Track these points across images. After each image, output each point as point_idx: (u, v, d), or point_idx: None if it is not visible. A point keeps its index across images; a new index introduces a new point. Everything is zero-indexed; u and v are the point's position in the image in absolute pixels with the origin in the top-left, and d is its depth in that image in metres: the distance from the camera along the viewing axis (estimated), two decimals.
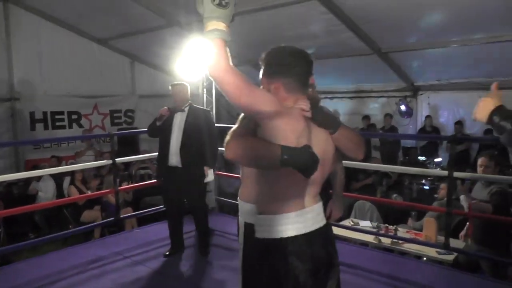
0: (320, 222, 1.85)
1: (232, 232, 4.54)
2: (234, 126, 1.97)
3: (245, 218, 2.19)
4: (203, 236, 4.64)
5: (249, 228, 1.92)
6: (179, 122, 4.47)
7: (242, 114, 1.93)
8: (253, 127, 1.87)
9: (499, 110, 1.64)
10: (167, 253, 4.50)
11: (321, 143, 1.80)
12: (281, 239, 1.75)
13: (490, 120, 1.66)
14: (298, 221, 1.77)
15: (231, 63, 1.59)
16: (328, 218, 2.35)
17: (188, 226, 4.81)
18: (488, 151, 4.75)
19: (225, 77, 1.59)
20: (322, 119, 1.83)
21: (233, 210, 5.24)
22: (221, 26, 1.60)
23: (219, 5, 1.60)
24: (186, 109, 4.51)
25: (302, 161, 1.65)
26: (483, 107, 1.69)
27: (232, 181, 6.74)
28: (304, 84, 1.84)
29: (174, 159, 4.41)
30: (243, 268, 1.93)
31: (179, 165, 4.39)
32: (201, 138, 4.42)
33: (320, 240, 1.80)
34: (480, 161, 4.24)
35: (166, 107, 4.61)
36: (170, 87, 4.65)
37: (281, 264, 1.73)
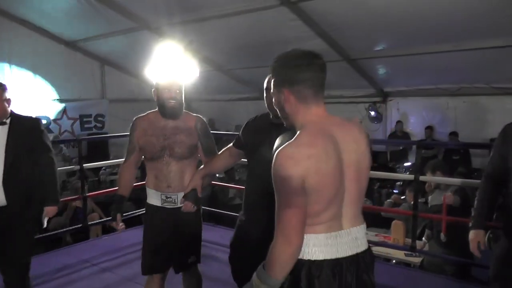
0: (358, 247, 1.67)
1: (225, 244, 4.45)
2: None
3: None
4: None
5: None
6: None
7: None
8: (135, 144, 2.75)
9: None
10: None
11: (353, 155, 1.63)
12: (309, 261, 1.61)
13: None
14: (328, 244, 1.61)
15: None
16: None
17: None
18: (429, 164, 4.70)
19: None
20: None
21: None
22: None
23: None
24: (8, 120, 3.07)
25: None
26: None
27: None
28: (318, 91, 1.64)
29: None
30: None
31: (4, 203, 2.95)
32: (34, 162, 3.08)
33: (353, 269, 1.64)
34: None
35: None
36: None
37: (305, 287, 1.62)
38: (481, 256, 2.48)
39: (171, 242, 2.78)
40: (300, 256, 1.60)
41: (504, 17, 5.36)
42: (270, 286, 1.57)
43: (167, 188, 2.72)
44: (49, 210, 3.16)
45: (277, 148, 1.62)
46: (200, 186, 2.71)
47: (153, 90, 2.73)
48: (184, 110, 2.78)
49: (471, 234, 2.41)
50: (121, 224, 2.83)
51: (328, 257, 1.60)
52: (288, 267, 1.57)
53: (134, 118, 2.84)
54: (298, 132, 1.62)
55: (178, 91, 2.69)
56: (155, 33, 7.56)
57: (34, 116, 3.33)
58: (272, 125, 2.33)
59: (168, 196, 2.73)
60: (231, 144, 2.63)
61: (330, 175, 1.55)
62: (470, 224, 2.46)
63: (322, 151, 1.55)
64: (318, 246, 1.60)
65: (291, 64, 1.65)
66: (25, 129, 3.10)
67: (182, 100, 2.73)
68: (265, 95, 2.40)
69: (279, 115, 1.75)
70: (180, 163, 2.72)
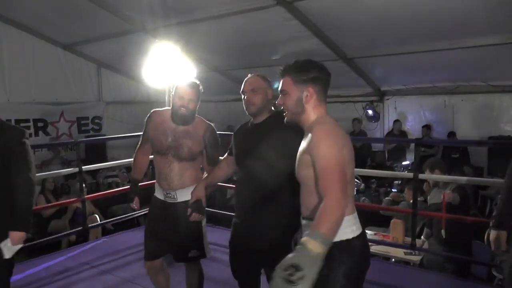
0: None
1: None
2: None
3: None
4: None
5: None
6: None
7: None
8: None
9: None
10: None
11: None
12: (358, 236, 1.89)
13: None
14: (356, 222, 1.92)
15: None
16: None
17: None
18: (428, 162, 4.81)
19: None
20: None
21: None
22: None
23: (290, 282, 1.59)
24: None
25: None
26: None
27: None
28: (326, 93, 2.00)
29: None
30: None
31: None
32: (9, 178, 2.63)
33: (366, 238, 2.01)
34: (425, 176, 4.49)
35: None
36: None
37: (349, 264, 1.83)
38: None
39: (170, 233, 2.96)
40: (345, 237, 1.84)
41: (500, 14, 5.37)
42: (321, 242, 1.62)
43: (167, 186, 2.92)
44: (15, 237, 2.57)
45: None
46: (204, 197, 2.81)
47: (171, 94, 2.90)
48: (198, 116, 2.95)
49: (492, 234, 2.37)
50: (137, 204, 3.15)
51: (359, 232, 1.91)
52: (338, 228, 1.69)
53: (152, 110, 3.04)
54: (318, 121, 1.93)
55: (191, 100, 2.81)
56: (151, 35, 7.54)
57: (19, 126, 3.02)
58: (252, 128, 2.59)
59: (168, 192, 2.93)
60: (226, 154, 2.81)
61: (351, 152, 1.90)
62: (491, 224, 2.41)
63: (343, 131, 1.94)
64: (355, 224, 1.90)
65: (316, 66, 1.95)
66: (6, 138, 2.66)
67: (194, 109, 2.86)
68: (243, 97, 2.57)
69: (292, 111, 1.98)
70: (181, 164, 2.88)
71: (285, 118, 2.02)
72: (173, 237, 2.95)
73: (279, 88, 2.00)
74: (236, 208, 2.68)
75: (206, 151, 2.94)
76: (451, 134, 8.35)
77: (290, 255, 1.63)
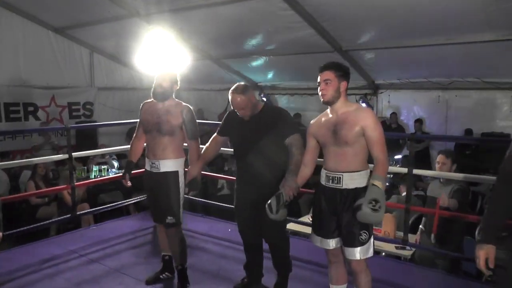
0: None
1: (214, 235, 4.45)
2: None
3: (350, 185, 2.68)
4: None
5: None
6: None
7: None
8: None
9: None
10: None
11: None
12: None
13: None
14: None
15: None
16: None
17: (147, 223, 4.76)
18: (446, 149, 4.86)
19: None
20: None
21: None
22: None
23: (374, 210, 2.42)
24: None
25: None
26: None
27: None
28: None
29: None
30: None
31: None
32: None
33: None
34: (438, 158, 4.41)
35: None
36: None
37: None
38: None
39: (155, 199, 3.50)
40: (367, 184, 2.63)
41: (497, 11, 5.34)
42: (384, 182, 2.55)
43: (152, 156, 3.44)
44: None
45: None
46: (200, 175, 3.49)
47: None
48: (177, 100, 3.49)
49: (481, 249, 2.04)
50: (129, 182, 3.68)
51: None
52: None
53: (143, 102, 3.63)
54: (359, 106, 2.88)
55: (164, 81, 3.38)
56: (144, 21, 7.44)
57: None
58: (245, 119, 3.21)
59: (153, 162, 3.44)
60: (216, 133, 3.45)
61: None
62: (479, 237, 2.06)
63: None
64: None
65: (348, 69, 2.76)
66: None
67: (168, 88, 3.40)
68: (240, 98, 3.12)
69: (333, 95, 2.67)
70: (164, 138, 3.39)
71: (324, 99, 2.69)
72: (155, 203, 3.50)
73: (324, 78, 2.67)
74: (236, 176, 3.45)
75: (185, 126, 3.39)
76: (468, 131, 8.23)
77: (368, 193, 2.45)
